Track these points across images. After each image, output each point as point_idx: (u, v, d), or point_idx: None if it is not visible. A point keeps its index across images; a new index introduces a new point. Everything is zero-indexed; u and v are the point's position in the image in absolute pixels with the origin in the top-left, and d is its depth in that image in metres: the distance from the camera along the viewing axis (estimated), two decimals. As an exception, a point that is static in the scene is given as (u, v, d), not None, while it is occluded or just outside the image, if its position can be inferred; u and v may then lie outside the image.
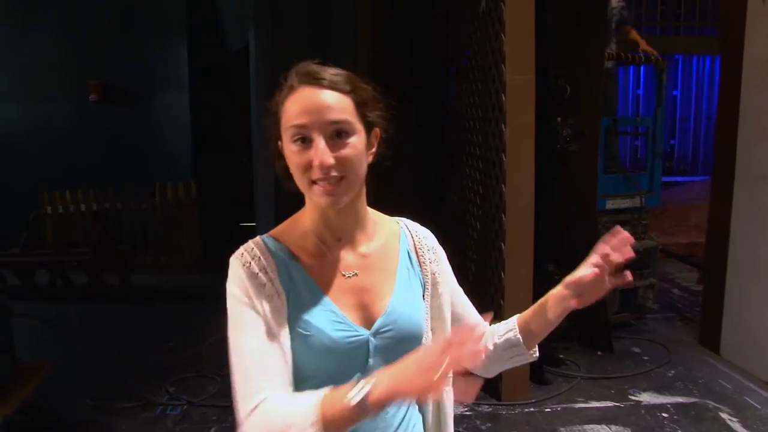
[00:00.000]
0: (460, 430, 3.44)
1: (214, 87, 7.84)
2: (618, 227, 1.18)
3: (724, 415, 3.56)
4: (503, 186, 3.64)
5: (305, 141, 1.09)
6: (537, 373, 3.95)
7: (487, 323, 1.34)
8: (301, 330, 1.12)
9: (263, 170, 5.10)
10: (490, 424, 3.52)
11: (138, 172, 7.57)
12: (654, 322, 5.19)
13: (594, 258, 1.17)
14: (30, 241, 6.66)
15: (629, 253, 1.16)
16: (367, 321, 1.17)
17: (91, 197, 7.43)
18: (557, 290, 1.22)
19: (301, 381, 1.13)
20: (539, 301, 1.26)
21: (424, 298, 1.26)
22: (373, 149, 1.18)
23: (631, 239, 1.17)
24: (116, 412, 3.71)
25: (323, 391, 0.99)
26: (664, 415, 3.59)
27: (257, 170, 5.50)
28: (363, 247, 1.22)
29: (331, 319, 1.13)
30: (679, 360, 4.37)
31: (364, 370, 1.15)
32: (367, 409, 0.93)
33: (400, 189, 4.95)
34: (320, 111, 1.09)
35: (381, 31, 5.22)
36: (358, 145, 1.12)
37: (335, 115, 1.10)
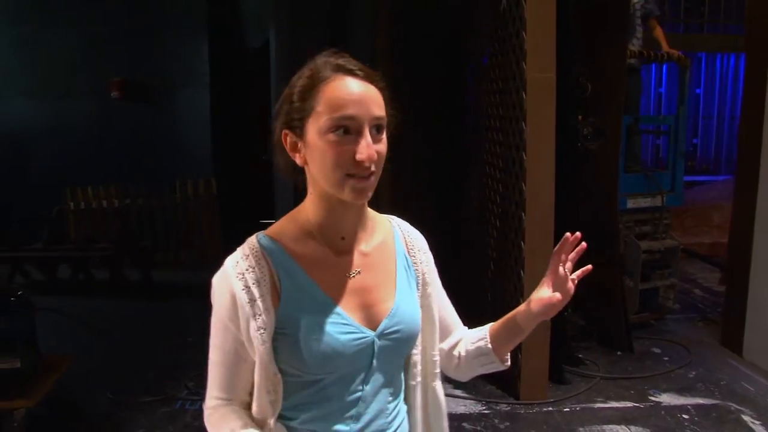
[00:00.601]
0: (479, 428, 3.44)
1: (234, 84, 7.89)
2: (567, 235, 1.20)
3: (746, 418, 3.50)
4: (523, 184, 3.62)
5: (348, 132, 1.06)
6: (556, 372, 3.92)
7: (466, 328, 1.37)
8: (305, 334, 1.10)
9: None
10: (508, 423, 3.51)
11: (159, 168, 7.65)
12: (675, 323, 5.12)
13: (549, 277, 1.22)
14: (53, 236, 6.77)
15: (582, 248, 1.21)
16: (371, 321, 1.16)
17: (112, 193, 7.53)
18: (523, 307, 1.25)
19: (309, 384, 1.13)
20: (509, 314, 1.29)
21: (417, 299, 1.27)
22: None
23: (578, 236, 1.20)
24: (136, 406, 3.74)
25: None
26: (685, 416, 3.55)
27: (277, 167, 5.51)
28: (364, 246, 1.21)
29: (337, 321, 1.12)
30: (700, 361, 4.31)
31: (368, 371, 1.16)
32: None
33: (419, 187, 4.96)
34: (367, 103, 1.07)
35: (400, 29, 5.22)
36: (386, 141, 1.12)
37: (378, 110, 1.09)
